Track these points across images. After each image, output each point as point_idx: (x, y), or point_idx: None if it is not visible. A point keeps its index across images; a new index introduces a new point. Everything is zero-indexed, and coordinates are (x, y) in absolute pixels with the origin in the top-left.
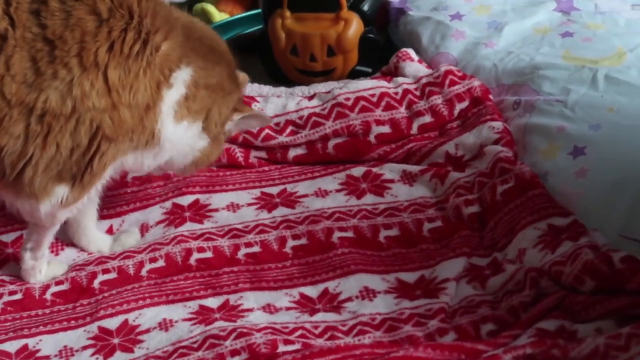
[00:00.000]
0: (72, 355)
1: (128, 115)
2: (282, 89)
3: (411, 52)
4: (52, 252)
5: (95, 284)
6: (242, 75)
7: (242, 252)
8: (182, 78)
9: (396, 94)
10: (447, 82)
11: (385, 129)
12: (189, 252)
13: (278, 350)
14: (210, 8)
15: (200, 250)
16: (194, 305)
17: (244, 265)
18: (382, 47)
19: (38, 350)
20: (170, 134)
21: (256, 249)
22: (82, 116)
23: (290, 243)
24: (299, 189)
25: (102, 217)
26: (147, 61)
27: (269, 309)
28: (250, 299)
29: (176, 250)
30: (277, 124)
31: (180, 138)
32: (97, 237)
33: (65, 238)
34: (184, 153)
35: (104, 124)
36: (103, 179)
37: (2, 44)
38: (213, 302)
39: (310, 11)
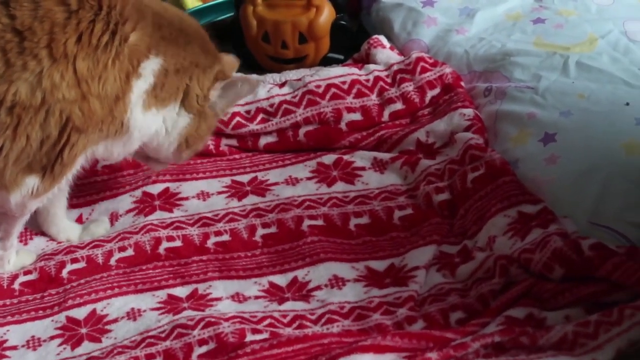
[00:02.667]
0: (40, 345)
1: (98, 106)
2: (254, 76)
3: (383, 39)
4: (21, 241)
5: (64, 273)
6: (231, 60)
7: (211, 241)
8: (150, 68)
9: (367, 81)
10: (419, 69)
11: (356, 116)
12: (158, 241)
13: (246, 340)
14: None
15: (170, 239)
16: (162, 294)
17: (213, 254)
18: (354, 34)
19: (5, 341)
20: (140, 123)
21: (226, 237)
22: (51, 107)
23: (260, 232)
24: (269, 177)
25: (71, 205)
26: (115, 52)
27: (237, 298)
28: (219, 288)
29: (145, 239)
30: (248, 112)
31: (149, 125)
32: (66, 226)
33: (34, 227)
34: (162, 138)
35: (74, 115)
36: (74, 169)
37: None
38: (181, 292)
39: None
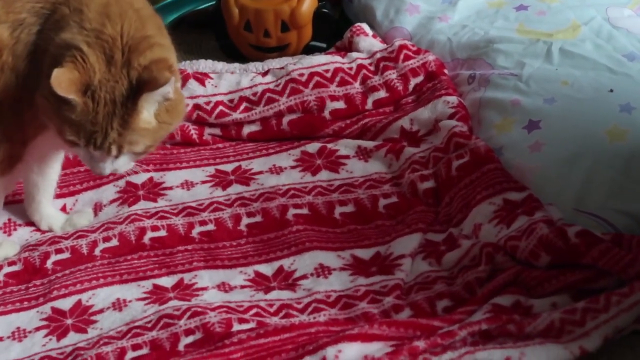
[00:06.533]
0: (25, 336)
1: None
2: (236, 65)
3: (365, 26)
4: (4, 232)
5: (48, 264)
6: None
7: (196, 231)
8: None
9: (350, 69)
10: (402, 56)
11: (340, 104)
12: (142, 231)
13: (232, 329)
14: None
15: (154, 229)
16: (147, 284)
17: (198, 244)
18: (336, 22)
19: None
20: None
21: (210, 227)
22: None
23: (245, 221)
24: (253, 166)
25: (55, 195)
26: None
27: (223, 287)
28: (205, 278)
29: (130, 229)
30: (231, 101)
31: None
32: (49, 214)
33: (18, 218)
34: None
35: None
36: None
37: None
38: (167, 282)
39: None
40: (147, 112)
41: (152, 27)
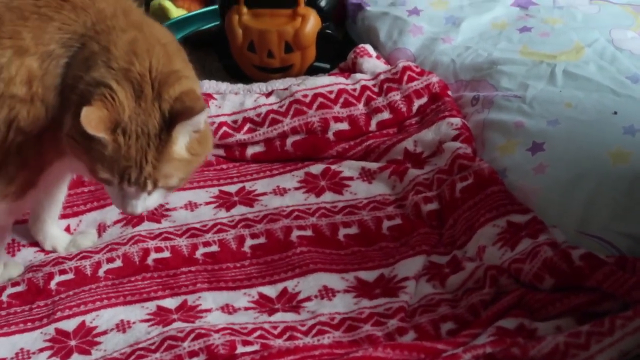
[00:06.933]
0: (29, 357)
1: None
2: (240, 85)
3: (369, 48)
4: (8, 252)
5: (52, 285)
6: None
7: (200, 252)
8: None
9: (354, 90)
10: (406, 78)
11: (344, 125)
12: (146, 252)
13: (237, 352)
14: (168, 4)
15: (158, 250)
16: (151, 306)
17: (202, 265)
18: (340, 43)
19: None
20: None
21: (214, 248)
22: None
23: (249, 242)
24: (257, 187)
25: (59, 216)
26: None
27: (227, 309)
28: (209, 299)
29: (134, 250)
30: (235, 122)
31: None
32: (53, 234)
33: (22, 239)
34: None
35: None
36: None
37: None
38: (171, 303)
39: (267, 7)
40: (181, 143)
41: (179, 62)
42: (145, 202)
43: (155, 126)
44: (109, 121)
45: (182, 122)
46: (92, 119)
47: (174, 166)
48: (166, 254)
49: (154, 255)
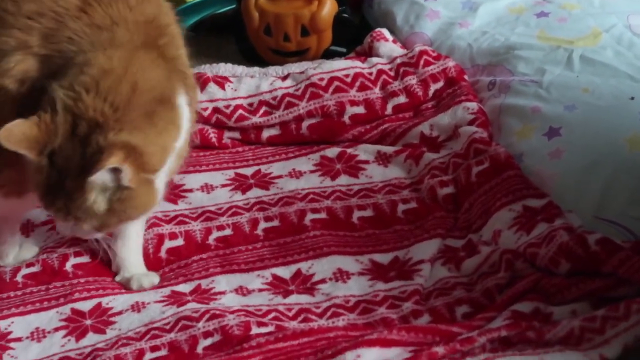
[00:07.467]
0: (44, 336)
1: None
2: (256, 69)
3: (385, 32)
4: (22, 234)
5: (68, 266)
6: None
7: (213, 237)
8: None
9: (370, 74)
10: (422, 62)
11: (360, 109)
12: (160, 240)
13: (251, 332)
14: None
15: (172, 236)
16: (165, 290)
17: (214, 251)
18: (356, 26)
19: (10, 333)
20: None
21: (228, 232)
22: None
23: (262, 225)
24: (272, 169)
25: None
26: None
27: (241, 291)
28: (222, 282)
29: (149, 236)
30: (251, 105)
31: None
32: None
33: (36, 219)
34: None
35: None
36: None
37: None
38: (185, 287)
39: None
40: (95, 194)
41: (139, 113)
42: (72, 230)
43: (76, 167)
44: (35, 141)
45: (92, 174)
46: (15, 133)
47: (86, 213)
48: (179, 242)
49: (167, 244)
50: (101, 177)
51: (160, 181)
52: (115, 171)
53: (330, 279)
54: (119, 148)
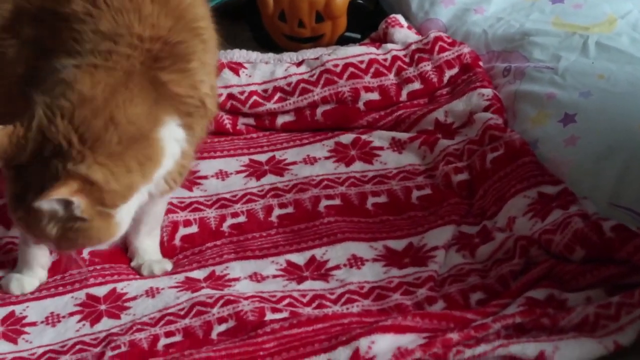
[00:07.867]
0: (59, 321)
1: None
2: (270, 55)
3: (400, 18)
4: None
5: (85, 254)
6: None
7: (227, 224)
8: None
9: (385, 60)
10: (437, 48)
11: (374, 95)
12: (175, 228)
13: (265, 319)
14: None
15: (187, 224)
16: (179, 277)
17: (227, 238)
18: (371, 13)
19: (25, 317)
20: None
21: (242, 219)
22: None
23: (277, 212)
24: (287, 156)
25: None
26: None
27: (255, 277)
28: (236, 269)
29: (163, 224)
30: (265, 91)
31: None
32: None
33: None
34: None
35: None
36: None
37: None
38: (199, 274)
39: None
40: (47, 220)
41: (108, 150)
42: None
43: (37, 186)
44: (3, 151)
45: (41, 201)
46: None
47: (40, 234)
48: (194, 229)
49: (182, 232)
50: (49, 205)
51: (127, 213)
52: (66, 202)
53: (345, 265)
54: (74, 179)
